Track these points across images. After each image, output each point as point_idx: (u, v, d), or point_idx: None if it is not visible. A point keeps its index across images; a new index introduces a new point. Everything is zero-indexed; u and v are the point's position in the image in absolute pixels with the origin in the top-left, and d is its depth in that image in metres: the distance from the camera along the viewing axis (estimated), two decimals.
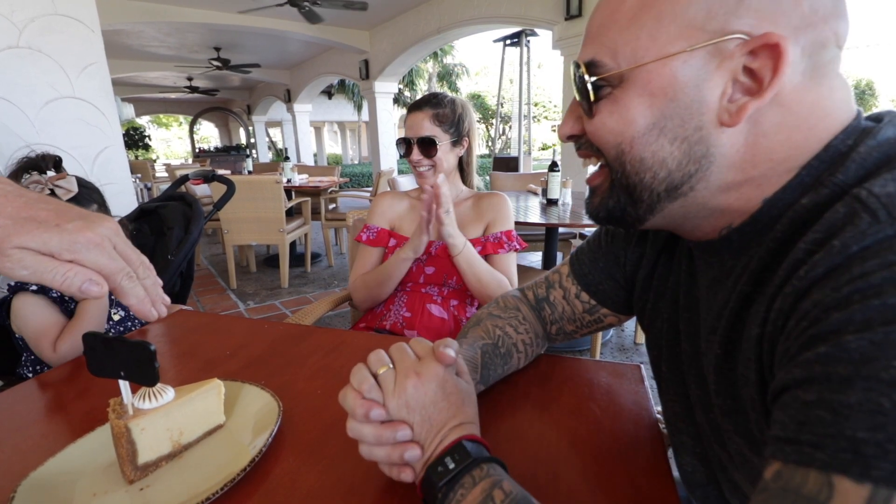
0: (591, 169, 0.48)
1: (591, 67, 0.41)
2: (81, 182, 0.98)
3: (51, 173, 0.93)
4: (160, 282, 0.47)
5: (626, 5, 0.39)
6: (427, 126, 1.17)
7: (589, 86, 0.41)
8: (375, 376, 0.48)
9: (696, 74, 0.37)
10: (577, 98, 0.44)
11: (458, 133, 1.21)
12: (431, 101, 1.19)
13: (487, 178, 4.50)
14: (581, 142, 0.46)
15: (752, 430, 0.39)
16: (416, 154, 1.18)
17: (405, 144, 1.20)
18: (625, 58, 0.39)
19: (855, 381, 0.27)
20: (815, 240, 0.33)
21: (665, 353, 0.55)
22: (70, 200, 0.91)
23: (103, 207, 1.01)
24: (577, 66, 0.42)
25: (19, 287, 0.95)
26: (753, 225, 0.40)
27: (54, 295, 0.96)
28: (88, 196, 0.96)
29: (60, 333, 0.92)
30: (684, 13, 0.36)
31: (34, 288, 0.95)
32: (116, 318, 1.03)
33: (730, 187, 0.40)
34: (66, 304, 0.96)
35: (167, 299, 0.47)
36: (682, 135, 0.38)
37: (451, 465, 0.42)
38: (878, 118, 0.38)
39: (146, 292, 0.44)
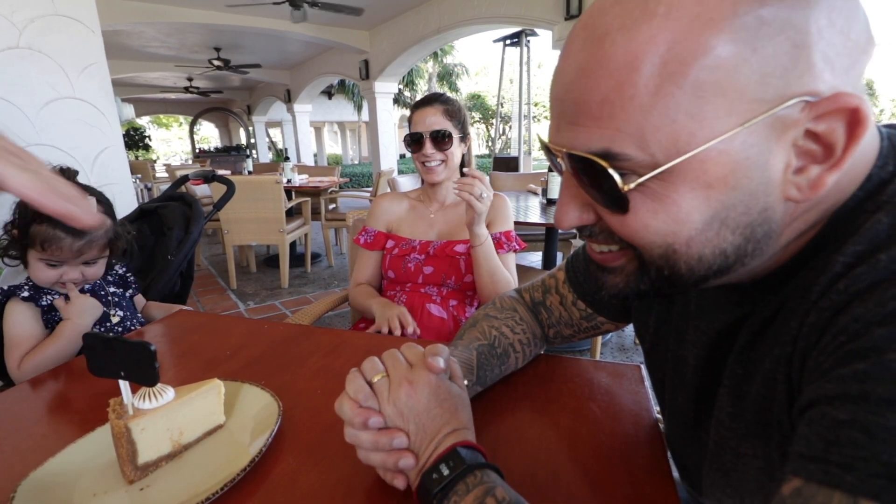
0: (599, 249, 0.41)
1: (607, 160, 0.32)
2: (99, 199, 0.98)
3: (92, 197, 0.94)
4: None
5: (641, 74, 0.30)
6: (439, 120, 1.17)
7: (616, 177, 0.32)
8: (370, 384, 0.48)
9: (759, 153, 0.30)
10: (584, 187, 0.35)
11: (464, 130, 1.22)
12: (440, 98, 1.21)
13: (487, 178, 4.50)
14: (594, 230, 0.38)
15: (771, 454, 0.37)
16: (429, 148, 1.18)
17: (414, 140, 1.19)
18: (661, 148, 0.30)
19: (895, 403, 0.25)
20: (856, 252, 0.31)
21: (669, 381, 0.53)
22: None
23: (114, 217, 1.00)
24: (581, 160, 0.33)
25: (12, 292, 0.95)
26: (791, 265, 0.37)
27: (44, 304, 0.95)
28: (103, 210, 0.96)
29: (31, 350, 0.92)
30: (732, 79, 0.29)
31: (25, 294, 0.95)
32: (115, 319, 1.03)
33: (776, 251, 0.36)
34: (53, 315, 0.96)
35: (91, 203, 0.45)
36: (745, 222, 0.32)
37: (446, 472, 0.42)
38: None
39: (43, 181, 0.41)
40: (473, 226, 1.08)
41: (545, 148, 0.39)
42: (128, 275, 1.13)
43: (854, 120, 0.29)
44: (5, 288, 0.96)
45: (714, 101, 0.29)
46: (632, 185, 0.32)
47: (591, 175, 0.34)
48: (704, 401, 0.46)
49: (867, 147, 0.34)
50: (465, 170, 1.00)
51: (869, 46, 0.31)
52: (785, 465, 0.30)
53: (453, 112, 1.19)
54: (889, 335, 0.26)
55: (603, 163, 0.32)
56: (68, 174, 0.92)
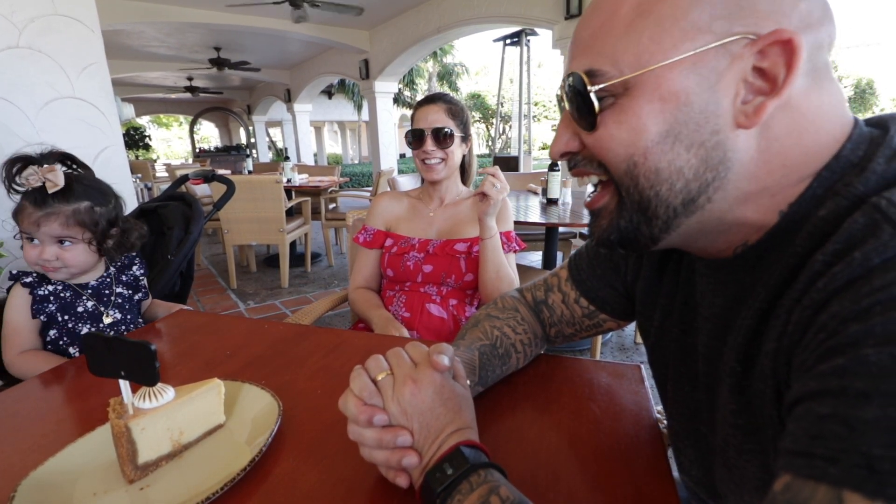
0: (590, 190, 0.46)
1: (590, 77, 0.39)
2: (77, 178, 0.98)
3: (61, 170, 0.94)
4: None
5: (621, 12, 0.38)
6: (442, 118, 1.18)
7: (593, 96, 0.39)
8: (375, 382, 0.48)
9: (708, 76, 0.36)
10: (572, 111, 0.42)
11: (465, 131, 1.22)
12: (444, 97, 1.21)
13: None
14: (577, 158, 0.44)
15: (768, 449, 0.38)
16: (429, 145, 1.18)
17: (416, 136, 1.19)
18: (627, 64, 0.37)
19: (872, 396, 0.26)
20: (835, 251, 0.32)
21: (672, 373, 0.53)
22: (57, 194, 0.92)
23: (102, 204, 0.99)
24: (572, 76, 0.40)
25: (18, 276, 0.97)
26: (770, 241, 0.39)
27: (40, 293, 0.97)
28: (82, 192, 0.96)
29: (34, 353, 0.95)
30: (686, 16, 0.35)
31: (27, 280, 0.96)
32: (108, 320, 1.03)
33: (747, 198, 0.38)
34: (44, 306, 0.97)
35: None
36: (698, 140, 0.37)
37: (449, 472, 0.42)
38: (880, 124, 0.38)
39: None
40: (486, 217, 1.09)
41: (559, 98, 0.45)
42: (142, 278, 1.13)
43: (788, 49, 0.34)
44: (14, 272, 0.97)
45: (671, 31, 0.36)
46: (605, 102, 0.39)
47: (576, 96, 0.40)
48: (708, 391, 0.47)
49: (830, 118, 0.37)
50: (480, 170, 1.02)
51: (825, 20, 0.36)
52: (776, 462, 0.30)
53: (456, 111, 1.20)
54: (864, 330, 0.27)
55: (584, 79, 0.39)
56: (48, 156, 0.93)
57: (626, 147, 0.39)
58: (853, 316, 0.28)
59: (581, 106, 0.40)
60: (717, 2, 0.35)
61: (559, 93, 0.44)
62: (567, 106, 0.42)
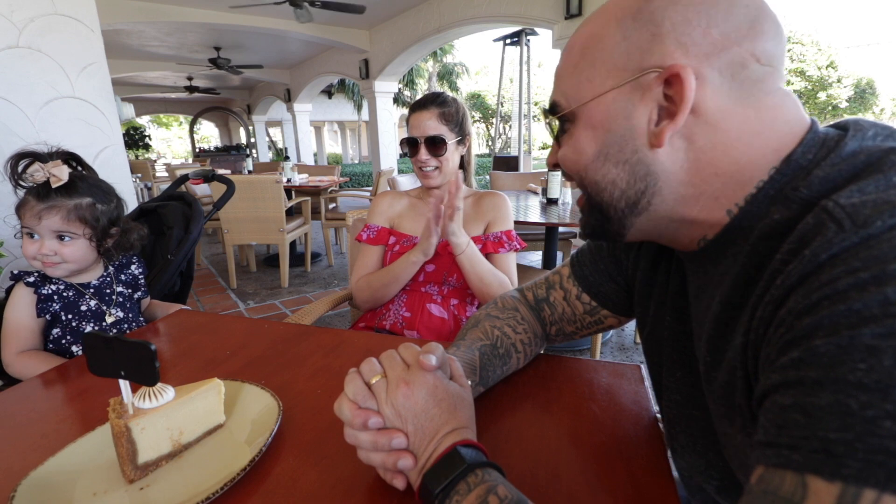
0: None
1: (553, 109, 0.48)
2: (81, 176, 0.98)
3: (65, 166, 0.95)
4: None
5: (572, 55, 0.46)
6: (434, 125, 1.16)
7: (554, 123, 0.49)
8: (369, 385, 0.48)
9: (625, 107, 0.42)
10: (549, 133, 0.51)
11: (462, 132, 1.20)
12: (436, 100, 1.18)
13: (487, 177, 4.50)
14: (562, 169, 0.52)
15: (738, 433, 0.40)
16: (423, 154, 1.17)
17: (410, 144, 1.19)
18: (573, 98, 0.45)
19: (824, 384, 0.28)
20: (790, 250, 0.34)
21: (666, 360, 0.55)
22: (60, 189, 0.93)
23: (104, 203, 1.00)
24: (544, 108, 0.50)
25: (20, 276, 0.97)
26: (726, 236, 0.43)
27: (44, 292, 0.97)
28: (85, 189, 0.96)
29: (33, 354, 0.95)
30: (610, 57, 0.42)
31: (30, 280, 0.97)
32: (111, 319, 1.03)
33: (687, 200, 0.43)
34: (48, 305, 0.97)
35: None
36: (622, 158, 0.43)
37: (446, 472, 0.42)
38: (842, 127, 0.40)
39: None
40: (451, 236, 1.08)
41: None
42: (141, 277, 1.13)
43: (678, 82, 0.38)
44: (15, 272, 0.97)
45: (600, 70, 0.43)
46: (563, 127, 0.48)
47: (547, 124, 0.50)
48: (699, 375, 0.48)
49: (766, 128, 0.40)
50: (433, 183, 1.01)
51: (752, 36, 0.39)
52: (752, 455, 0.32)
53: (449, 115, 1.17)
54: (814, 323, 0.30)
55: (548, 109, 0.49)
56: (53, 154, 0.94)
57: (574, 164, 0.47)
58: (805, 310, 0.31)
59: (550, 131, 0.51)
60: (632, 43, 0.41)
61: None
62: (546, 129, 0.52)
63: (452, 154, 1.19)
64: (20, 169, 0.92)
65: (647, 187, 0.43)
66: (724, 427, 0.43)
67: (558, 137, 0.49)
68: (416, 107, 1.19)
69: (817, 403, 0.28)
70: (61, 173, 0.92)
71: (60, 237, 0.94)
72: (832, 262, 0.30)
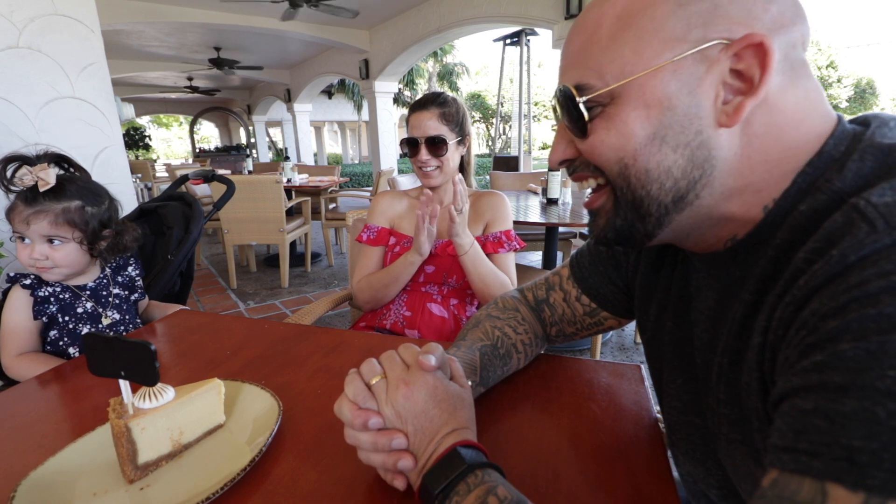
0: (588, 193, 0.48)
1: (578, 90, 0.42)
2: (70, 178, 0.98)
3: (53, 169, 0.95)
4: None
5: (604, 28, 0.40)
6: (435, 125, 1.16)
7: (582, 107, 0.42)
8: (369, 386, 0.48)
9: (688, 81, 0.38)
10: (565, 121, 0.44)
11: (462, 132, 1.21)
12: (437, 101, 1.18)
13: (487, 177, 4.50)
14: (575, 165, 0.46)
15: (755, 439, 0.39)
16: (424, 154, 1.16)
17: (410, 144, 1.18)
18: (612, 75, 0.40)
19: (850, 390, 0.27)
20: (815, 249, 0.33)
21: (666, 366, 0.54)
22: (48, 192, 0.92)
23: (95, 205, 0.99)
24: (563, 90, 0.43)
25: (17, 278, 0.97)
26: (758, 235, 0.40)
27: (40, 293, 0.97)
28: (74, 192, 0.96)
29: (31, 356, 0.95)
30: (663, 28, 0.38)
31: (26, 282, 0.96)
32: (107, 321, 1.03)
33: (732, 194, 0.40)
34: (45, 307, 0.97)
35: None
36: (683, 141, 0.39)
37: (446, 473, 0.42)
38: (863, 122, 0.39)
39: None
40: (454, 237, 1.08)
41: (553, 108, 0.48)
42: (137, 279, 1.13)
43: (761, 52, 0.36)
44: (12, 274, 0.97)
45: (651, 42, 0.38)
46: (594, 111, 0.42)
47: (567, 107, 0.43)
48: (702, 383, 0.47)
49: (809, 114, 0.38)
50: (456, 177, 1.00)
51: (797, 20, 0.38)
52: (765, 458, 0.31)
53: (450, 115, 1.17)
54: (841, 326, 0.28)
55: (573, 91, 0.42)
56: (42, 157, 0.94)
57: (616, 151, 0.41)
58: (831, 312, 0.29)
59: (573, 116, 0.43)
60: (692, 12, 0.37)
61: (553, 103, 0.46)
62: (560, 116, 0.45)
63: (453, 154, 1.19)
64: (9, 173, 0.91)
65: (702, 176, 0.39)
66: (735, 433, 0.41)
67: (585, 124, 0.42)
68: (417, 107, 1.19)
69: (841, 410, 0.27)
70: (48, 177, 0.91)
71: (50, 241, 0.94)
72: (862, 264, 0.29)
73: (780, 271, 0.36)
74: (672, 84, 0.38)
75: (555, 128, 0.50)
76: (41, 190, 0.91)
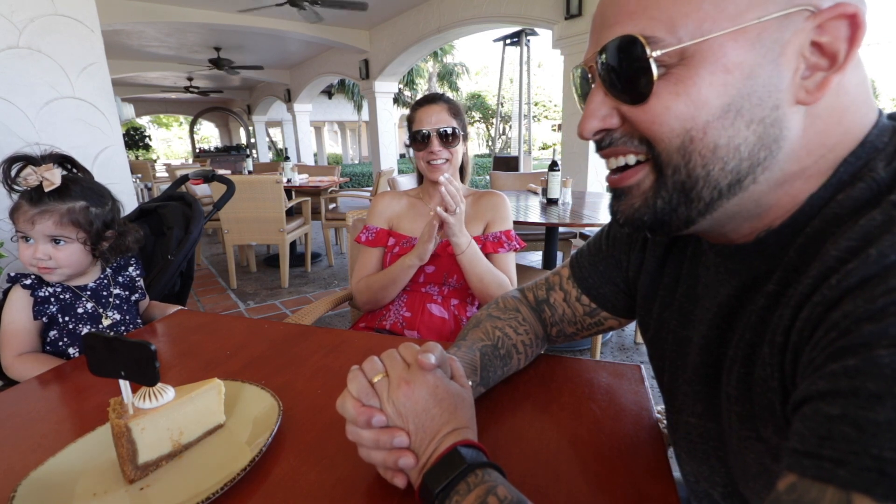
0: (611, 167, 0.43)
1: (644, 43, 0.35)
2: (75, 179, 0.98)
3: (58, 169, 0.95)
4: None
5: None
6: (446, 118, 1.18)
7: (652, 62, 0.35)
8: (371, 383, 0.48)
9: (772, 48, 0.33)
10: (614, 83, 0.38)
11: (465, 130, 1.23)
12: (444, 97, 1.22)
13: (487, 177, 4.51)
14: (615, 136, 0.41)
15: (763, 436, 0.38)
16: (436, 145, 1.17)
17: (419, 139, 1.19)
18: (687, 31, 0.34)
19: (885, 398, 0.25)
20: (849, 248, 0.31)
21: (668, 365, 0.54)
22: (52, 192, 0.92)
23: (98, 206, 0.99)
24: (619, 42, 0.37)
25: (17, 278, 0.97)
26: (792, 225, 0.38)
27: (40, 294, 0.97)
28: (79, 193, 0.96)
29: (31, 356, 0.95)
30: None
31: (26, 282, 0.96)
32: (107, 322, 1.03)
33: (786, 179, 0.37)
34: (45, 307, 0.97)
35: None
36: (759, 115, 0.35)
37: (446, 472, 0.42)
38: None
39: None
40: (451, 237, 1.09)
41: (581, 76, 0.43)
42: (138, 279, 1.13)
43: (854, 24, 0.33)
44: (12, 274, 0.97)
45: None
46: (651, 70, 0.35)
47: (625, 64, 0.37)
48: (706, 383, 0.47)
49: (865, 100, 0.36)
50: (442, 178, 1.00)
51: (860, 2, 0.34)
52: (780, 461, 0.30)
53: (457, 111, 1.20)
54: (878, 331, 0.26)
55: (643, 41, 0.35)
56: (47, 157, 0.94)
57: (683, 121, 0.36)
58: (867, 316, 0.27)
59: (630, 75, 0.37)
60: None
61: (602, 59, 0.39)
62: (606, 77, 0.39)
63: (461, 148, 1.22)
64: (13, 173, 0.92)
65: (766, 158, 0.35)
66: (747, 430, 0.40)
67: (649, 85, 0.36)
68: (425, 102, 1.21)
69: (873, 418, 0.25)
70: (53, 177, 0.92)
71: (54, 241, 0.94)
72: None
73: (806, 263, 0.34)
74: (756, 48, 0.33)
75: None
76: (46, 190, 0.92)
